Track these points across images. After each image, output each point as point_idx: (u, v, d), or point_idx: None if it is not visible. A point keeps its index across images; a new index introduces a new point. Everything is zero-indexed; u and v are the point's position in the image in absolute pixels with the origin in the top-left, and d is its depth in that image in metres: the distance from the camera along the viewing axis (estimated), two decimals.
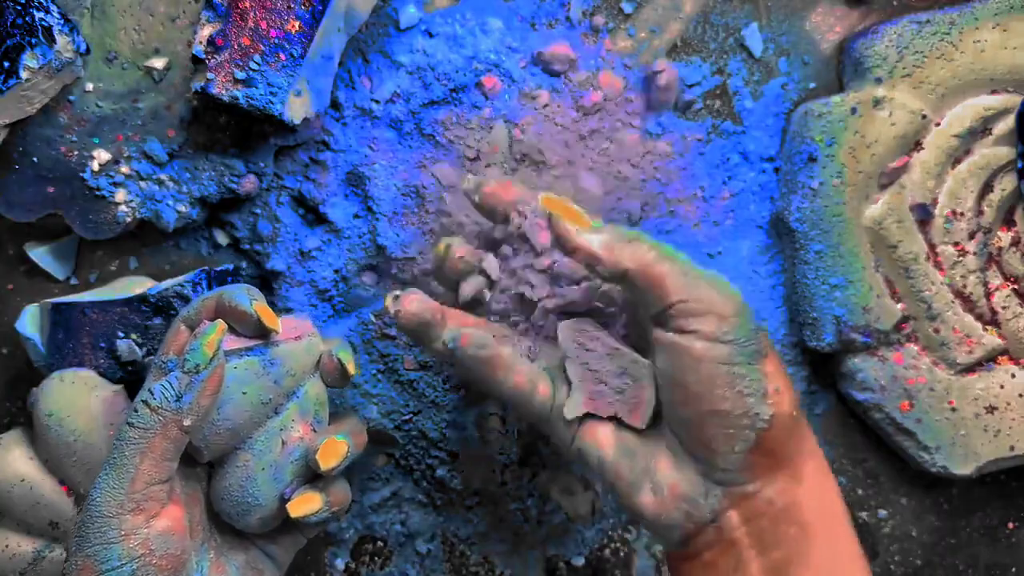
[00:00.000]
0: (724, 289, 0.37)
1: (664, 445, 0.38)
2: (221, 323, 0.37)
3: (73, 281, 0.48)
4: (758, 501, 0.37)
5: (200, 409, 0.36)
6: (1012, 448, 0.46)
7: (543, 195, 0.39)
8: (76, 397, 0.42)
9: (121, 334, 0.44)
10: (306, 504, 0.39)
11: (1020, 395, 0.46)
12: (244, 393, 0.38)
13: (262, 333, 0.40)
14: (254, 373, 0.39)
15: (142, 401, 0.35)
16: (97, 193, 0.45)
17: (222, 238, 0.48)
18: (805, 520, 0.37)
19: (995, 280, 0.46)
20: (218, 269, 0.46)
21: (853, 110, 0.46)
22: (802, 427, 0.38)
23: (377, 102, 0.46)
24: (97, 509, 0.34)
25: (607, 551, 0.50)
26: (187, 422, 0.36)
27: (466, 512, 0.49)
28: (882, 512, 0.49)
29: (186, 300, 0.44)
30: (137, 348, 0.44)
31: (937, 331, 0.46)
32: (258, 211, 0.47)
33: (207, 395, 0.36)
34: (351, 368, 0.41)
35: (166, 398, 0.35)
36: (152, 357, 0.45)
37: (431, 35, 0.46)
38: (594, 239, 0.37)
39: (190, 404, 0.36)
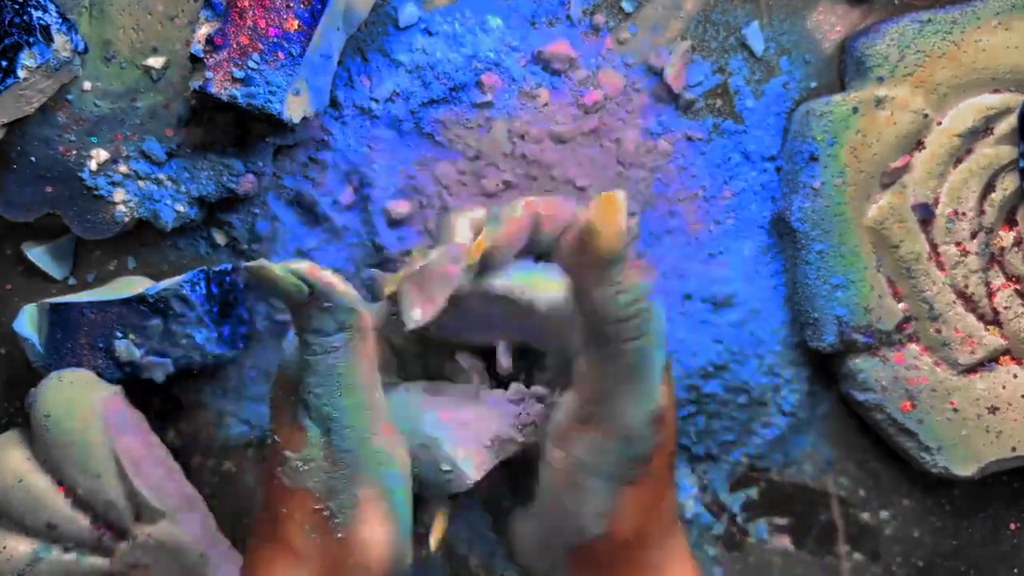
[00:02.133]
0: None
1: None
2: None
3: (71, 281, 0.48)
4: None
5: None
6: (1014, 449, 0.45)
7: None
8: (74, 397, 0.42)
9: (119, 334, 0.44)
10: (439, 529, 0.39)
11: (1022, 396, 0.46)
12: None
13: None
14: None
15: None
16: (95, 193, 0.45)
17: (220, 238, 0.48)
18: None
19: (997, 280, 0.46)
20: (217, 269, 0.46)
21: (855, 109, 0.45)
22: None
23: (376, 101, 0.46)
24: (360, 438, 0.33)
25: None
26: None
27: (466, 514, 0.49)
28: (884, 513, 0.49)
29: (184, 300, 0.44)
30: (135, 348, 0.44)
31: (939, 331, 0.46)
32: (257, 211, 0.47)
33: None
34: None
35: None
36: (150, 358, 0.45)
37: (430, 34, 0.46)
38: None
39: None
